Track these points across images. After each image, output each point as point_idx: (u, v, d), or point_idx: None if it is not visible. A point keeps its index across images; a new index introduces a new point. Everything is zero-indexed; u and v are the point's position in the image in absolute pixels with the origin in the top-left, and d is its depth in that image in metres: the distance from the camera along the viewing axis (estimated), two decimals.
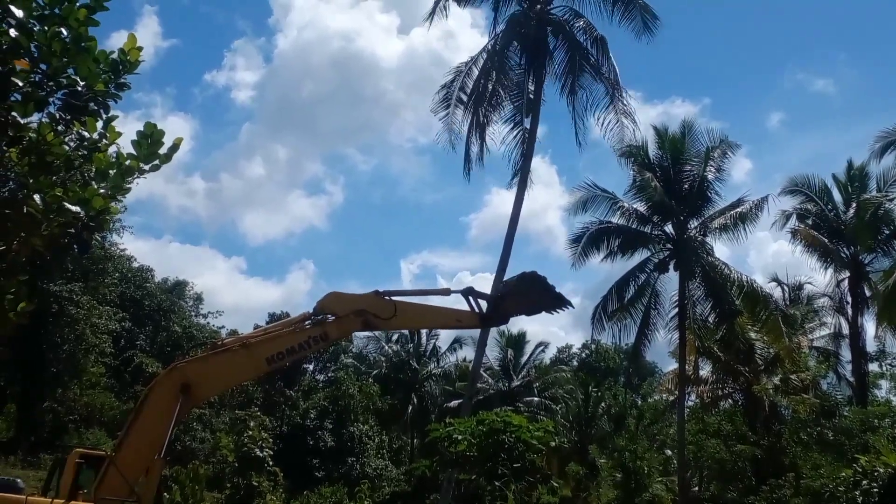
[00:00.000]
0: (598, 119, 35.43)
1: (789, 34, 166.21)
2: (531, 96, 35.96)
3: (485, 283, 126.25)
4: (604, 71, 35.45)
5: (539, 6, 36.49)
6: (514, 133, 36.46)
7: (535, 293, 18.26)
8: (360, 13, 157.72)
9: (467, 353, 65.17)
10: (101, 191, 6.88)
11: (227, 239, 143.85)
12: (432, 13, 36.82)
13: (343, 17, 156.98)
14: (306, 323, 17.77)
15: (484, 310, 18.33)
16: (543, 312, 18.96)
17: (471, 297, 18.21)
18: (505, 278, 32.31)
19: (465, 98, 36.24)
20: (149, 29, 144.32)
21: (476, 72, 36.34)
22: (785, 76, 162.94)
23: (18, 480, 15.78)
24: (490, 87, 36.02)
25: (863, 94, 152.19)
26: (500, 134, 36.67)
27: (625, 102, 35.46)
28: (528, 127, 36.24)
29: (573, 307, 19.45)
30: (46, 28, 6.59)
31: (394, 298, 17.81)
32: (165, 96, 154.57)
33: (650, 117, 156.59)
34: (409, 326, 20.17)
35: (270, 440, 38.29)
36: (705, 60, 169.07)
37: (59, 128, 6.99)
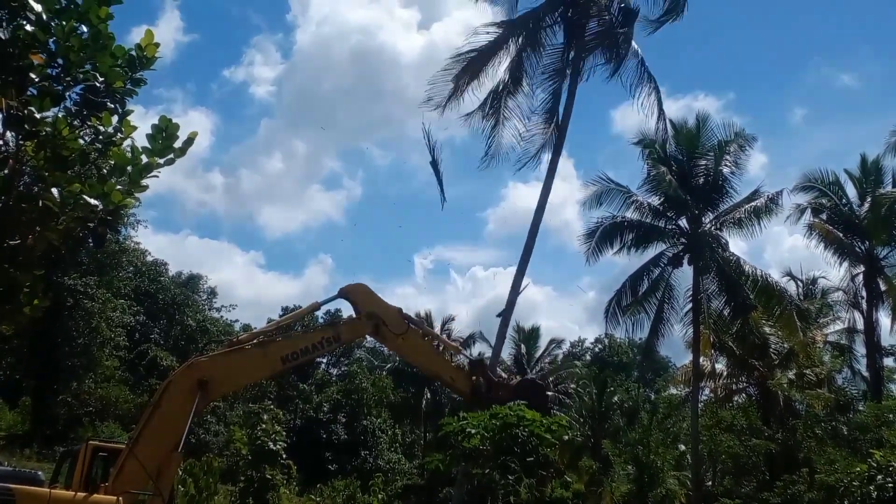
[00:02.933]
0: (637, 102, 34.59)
1: (814, 28, 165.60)
2: (568, 79, 34.49)
3: (499, 278, 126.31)
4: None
5: None
6: (547, 118, 34.93)
7: (532, 400, 20.07)
8: (379, 8, 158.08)
9: (480, 348, 65.24)
10: (119, 186, 6.92)
11: (245, 233, 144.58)
12: None
13: (362, 12, 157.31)
14: (318, 318, 18.46)
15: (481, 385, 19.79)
16: None
17: (476, 369, 19.27)
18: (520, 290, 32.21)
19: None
20: (171, 24, 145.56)
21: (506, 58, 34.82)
22: (809, 71, 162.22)
23: (39, 473, 15.91)
24: (522, 66, 34.56)
25: (887, 87, 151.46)
26: (528, 122, 35.14)
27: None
28: (560, 112, 34.56)
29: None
30: (65, 23, 6.63)
31: (411, 324, 18.51)
32: (186, 92, 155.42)
33: (672, 111, 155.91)
34: (409, 355, 20.13)
35: (284, 433, 38.36)
36: (730, 55, 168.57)
37: (75, 122, 7.03)
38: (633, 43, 34.16)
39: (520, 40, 34.60)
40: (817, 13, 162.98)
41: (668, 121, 35.98)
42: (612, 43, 34.02)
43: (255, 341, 17.90)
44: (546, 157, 34.76)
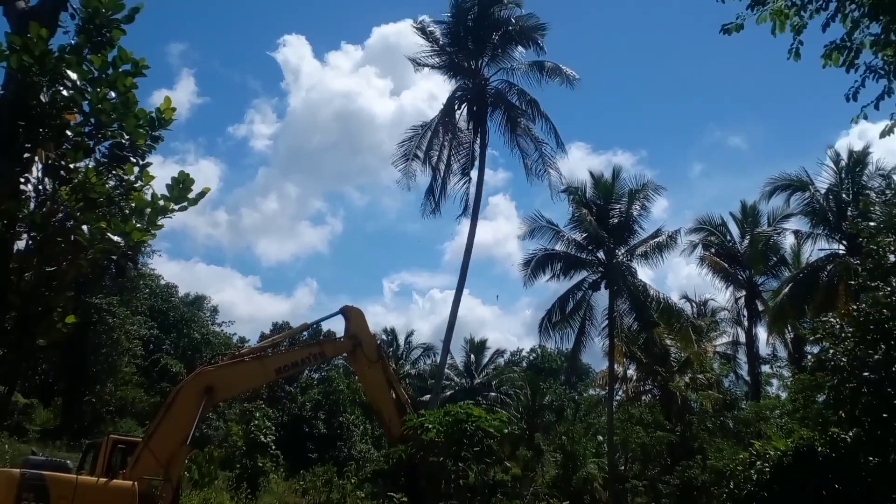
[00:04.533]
0: (532, 169, 37.53)
1: (711, 98, 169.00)
2: (477, 153, 37.73)
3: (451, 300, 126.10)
4: (534, 127, 37.65)
5: (482, 81, 38.15)
6: (463, 182, 38.13)
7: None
8: (359, 77, 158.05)
9: (436, 358, 65.17)
10: (138, 225, 6.85)
11: (244, 261, 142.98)
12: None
13: (345, 81, 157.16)
14: (304, 334, 18.56)
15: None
16: None
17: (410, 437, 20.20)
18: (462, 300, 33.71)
19: (420, 154, 37.57)
20: (187, 88, 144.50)
21: (430, 134, 37.87)
22: (706, 133, 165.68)
23: (68, 462, 15.54)
24: (443, 146, 37.79)
25: (768, 147, 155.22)
26: (453, 184, 38.34)
27: (549, 153, 37.61)
28: (472, 178, 37.92)
29: None
30: (98, 90, 6.57)
31: (382, 360, 18.43)
32: (198, 144, 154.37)
33: (594, 164, 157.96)
34: (368, 384, 19.82)
35: (273, 428, 37.73)
36: (644, 119, 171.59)
37: (102, 171, 6.97)
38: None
39: (441, 125, 38.03)
40: (714, 85, 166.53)
41: (589, 172, 37.98)
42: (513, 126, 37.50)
43: (253, 355, 17.69)
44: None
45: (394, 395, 19.20)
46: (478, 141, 37.77)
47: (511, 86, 38.12)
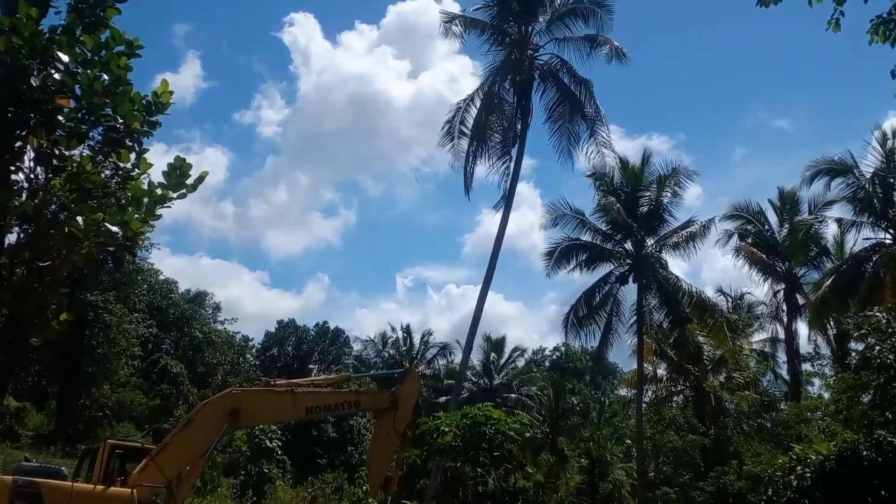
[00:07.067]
0: (583, 150, 35.82)
1: (755, 77, 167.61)
2: (518, 130, 35.99)
3: (471, 293, 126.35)
4: (586, 109, 35.62)
5: (529, 51, 36.33)
6: (503, 161, 36.32)
7: None
8: (374, 59, 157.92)
9: (453, 357, 65.36)
10: (136, 216, 6.89)
11: (252, 255, 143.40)
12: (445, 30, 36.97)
13: (359, 62, 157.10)
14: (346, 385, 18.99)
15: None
16: None
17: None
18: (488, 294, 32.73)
19: (466, 131, 36.22)
20: (192, 72, 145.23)
21: (473, 109, 36.36)
22: (749, 115, 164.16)
23: (63, 468, 15.70)
24: (484, 121, 36.00)
25: (816, 128, 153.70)
26: (491, 163, 36.57)
27: (605, 136, 35.74)
28: (513, 156, 36.27)
29: None
30: (90, 72, 6.61)
31: (404, 434, 18.52)
32: (204, 132, 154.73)
33: (628, 148, 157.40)
34: (378, 449, 19.64)
35: (279, 432, 37.95)
36: (684, 100, 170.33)
37: (98, 159, 7.01)
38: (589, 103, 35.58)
39: (479, 100, 36.24)
40: (758, 64, 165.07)
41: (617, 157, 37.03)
42: (564, 109, 35.57)
43: (287, 388, 17.73)
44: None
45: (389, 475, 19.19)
46: (519, 118, 36.04)
47: (563, 62, 36.30)
